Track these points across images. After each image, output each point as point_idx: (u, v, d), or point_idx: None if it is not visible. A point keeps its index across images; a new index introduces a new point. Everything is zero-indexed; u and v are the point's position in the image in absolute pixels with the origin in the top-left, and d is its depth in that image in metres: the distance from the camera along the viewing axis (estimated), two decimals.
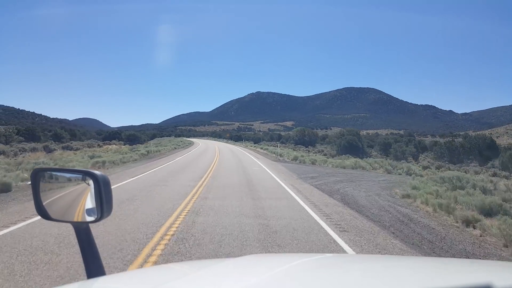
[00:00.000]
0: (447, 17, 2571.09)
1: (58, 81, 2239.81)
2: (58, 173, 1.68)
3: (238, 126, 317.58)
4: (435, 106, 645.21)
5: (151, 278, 1.36)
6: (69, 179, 1.65)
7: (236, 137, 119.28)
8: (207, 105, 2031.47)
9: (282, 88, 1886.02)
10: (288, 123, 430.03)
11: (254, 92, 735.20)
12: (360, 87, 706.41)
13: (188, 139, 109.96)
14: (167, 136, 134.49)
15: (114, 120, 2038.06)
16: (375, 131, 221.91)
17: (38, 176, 1.55)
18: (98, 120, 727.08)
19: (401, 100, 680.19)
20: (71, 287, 1.17)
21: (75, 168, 1.52)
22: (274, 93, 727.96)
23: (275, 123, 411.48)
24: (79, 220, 1.49)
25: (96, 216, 1.44)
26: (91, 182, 1.46)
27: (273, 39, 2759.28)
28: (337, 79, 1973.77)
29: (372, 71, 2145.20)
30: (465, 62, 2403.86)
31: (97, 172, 1.46)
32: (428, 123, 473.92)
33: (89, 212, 1.48)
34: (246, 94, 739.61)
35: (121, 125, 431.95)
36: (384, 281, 1.19)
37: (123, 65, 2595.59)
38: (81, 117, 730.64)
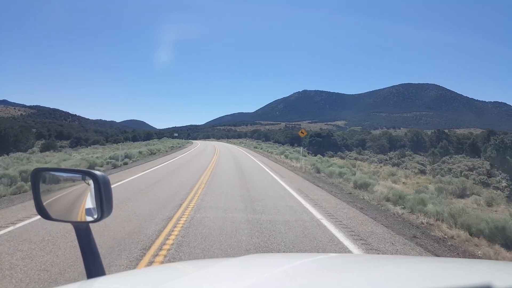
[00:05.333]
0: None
1: (108, 85, 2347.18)
2: (58, 173, 1.67)
3: (285, 126, 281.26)
4: (506, 103, 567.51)
5: (151, 277, 1.35)
6: (69, 179, 1.65)
7: (342, 143, 60.58)
8: (251, 106, 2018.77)
9: (330, 85, 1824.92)
10: (340, 123, 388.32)
11: (300, 90, 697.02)
12: (419, 83, 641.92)
13: (197, 141, 79.23)
14: (170, 137, 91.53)
15: (161, 121, 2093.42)
16: (465, 130, 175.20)
17: (38, 176, 1.54)
18: (145, 122, 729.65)
19: (466, 96, 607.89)
20: (71, 287, 1.16)
21: (75, 168, 1.61)
22: (322, 91, 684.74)
23: (325, 123, 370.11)
24: (79, 220, 1.49)
25: (96, 216, 1.44)
26: (91, 182, 1.46)
27: (319, 34, 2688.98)
28: (391, 75, 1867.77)
29: (430, 66, 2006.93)
30: None
31: (97, 172, 1.46)
32: (502, 122, 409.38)
33: (89, 212, 1.48)
34: (292, 93, 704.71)
35: (167, 127, 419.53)
36: (385, 281, 1.18)
37: (171, 68, 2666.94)
38: (128, 119, 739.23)
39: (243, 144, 70.53)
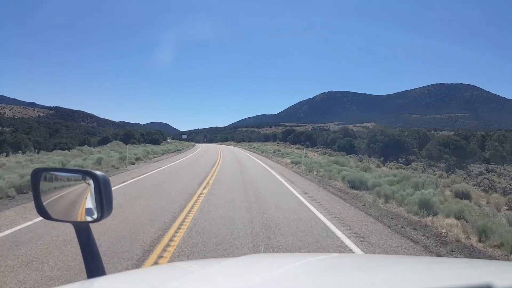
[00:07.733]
0: None
1: (134, 87, 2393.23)
2: (58, 173, 1.67)
3: (312, 127, 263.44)
4: None
5: (151, 277, 1.35)
6: (69, 179, 1.65)
7: None
8: (274, 108, 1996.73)
9: (356, 86, 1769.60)
10: (369, 125, 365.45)
11: (325, 91, 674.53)
12: (452, 83, 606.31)
13: (205, 145, 64.17)
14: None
15: (185, 124, 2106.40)
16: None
17: (38, 176, 1.55)
18: (168, 124, 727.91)
19: (504, 97, 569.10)
20: (71, 287, 1.16)
21: (75, 168, 1.61)
22: (348, 92, 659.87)
23: (353, 125, 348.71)
24: (80, 220, 1.49)
25: (96, 216, 1.44)
26: (91, 182, 1.46)
27: (345, 34, 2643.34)
28: (421, 75, 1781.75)
29: (463, 66, 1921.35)
30: None
31: (97, 172, 1.46)
32: None
33: (89, 212, 1.48)
34: (317, 94, 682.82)
35: (190, 129, 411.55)
36: (386, 281, 1.19)
37: (195, 71, 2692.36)
38: (152, 121, 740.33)
39: (290, 158, 29.81)
